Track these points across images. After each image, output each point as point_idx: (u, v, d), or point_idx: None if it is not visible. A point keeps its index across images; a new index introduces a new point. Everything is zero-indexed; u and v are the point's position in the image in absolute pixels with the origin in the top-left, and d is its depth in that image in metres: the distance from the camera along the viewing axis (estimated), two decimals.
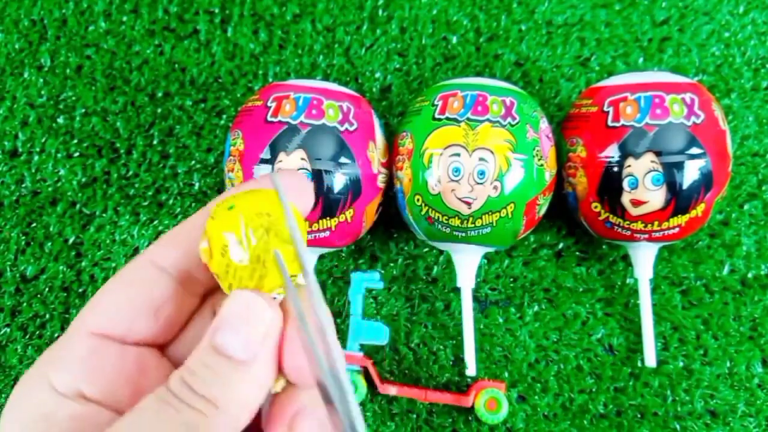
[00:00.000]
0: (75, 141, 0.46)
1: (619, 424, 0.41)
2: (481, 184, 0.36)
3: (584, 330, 0.43)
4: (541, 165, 0.37)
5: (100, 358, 0.19)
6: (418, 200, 0.38)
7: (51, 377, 0.18)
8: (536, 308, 0.43)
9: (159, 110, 0.47)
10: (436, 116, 0.38)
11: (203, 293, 0.21)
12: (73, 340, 0.19)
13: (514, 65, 0.47)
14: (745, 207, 0.45)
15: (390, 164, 0.41)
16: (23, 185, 0.46)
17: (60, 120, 0.47)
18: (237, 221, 0.18)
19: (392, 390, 0.40)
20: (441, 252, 0.44)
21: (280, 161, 0.37)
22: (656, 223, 0.37)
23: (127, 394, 0.19)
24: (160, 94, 0.47)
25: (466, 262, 0.40)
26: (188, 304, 0.21)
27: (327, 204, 0.37)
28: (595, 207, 0.38)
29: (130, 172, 0.46)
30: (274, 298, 0.19)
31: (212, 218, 0.19)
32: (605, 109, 0.38)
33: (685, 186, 0.36)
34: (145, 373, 0.20)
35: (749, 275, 0.43)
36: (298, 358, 0.18)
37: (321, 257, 0.44)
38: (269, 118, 0.37)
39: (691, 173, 0.36)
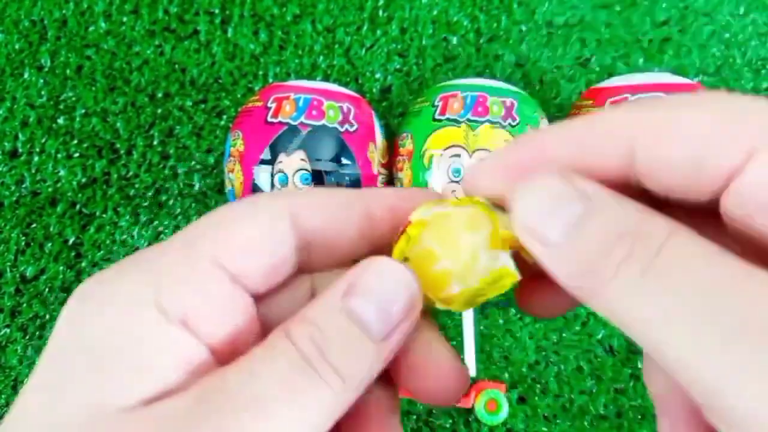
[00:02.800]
0: (75, 141, 0.46)
1: (619, 425, 0.41)
2: None
3: (584, 331, 0.43)
4: None
5: (214, 291, 0.16)
6: None
7: (160, 297, 0.16)
8: None
9: (159, 111, 0.47)
10: (437, 117, 0.38)
11: (309, 269, 0.19)
12: (193, 264, 0.16)
13: (515, 66, 0.47)
14: None
15: (390, 165, 0.41)
16: (23, 186, 0.46)
17: (60, 120, 0.47)
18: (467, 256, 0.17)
19: None
20: None
21: (280, 162, 0.37)
22: None
23: (227, 337, 0.16)
24: (160, 95, 0.47)
25: None
26: (293, 269, 0.18)
27: None
28: None
29: (130, 173, 0.46)
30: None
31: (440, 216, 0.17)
32: None
33: None
34: (248, 320, 0.17)
35: None
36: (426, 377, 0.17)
37: None
38: (269, 119, 0.37)
39: None
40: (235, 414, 0.14)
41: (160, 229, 0.45)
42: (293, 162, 0.36)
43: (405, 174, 0.38)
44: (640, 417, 0.41)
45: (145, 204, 0.45)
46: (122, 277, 0.16)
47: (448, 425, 0.41)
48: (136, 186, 0.46)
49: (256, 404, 0.14)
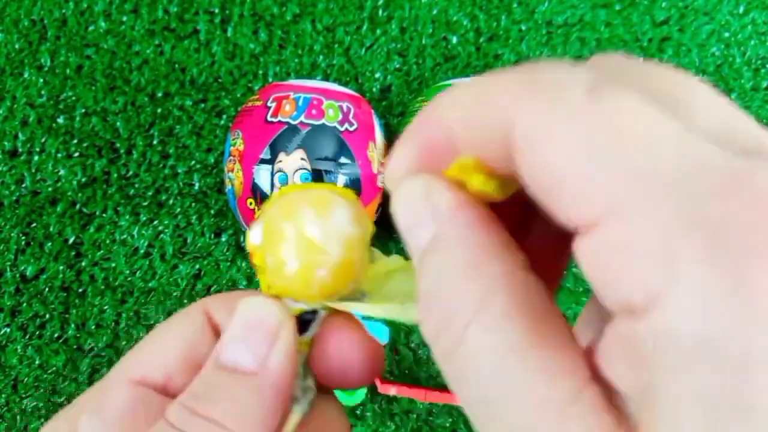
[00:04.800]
0: (75, 141, 0.46)
1: None
2: None
3: None
4: None
5: (139, 408, 0.17)
6: None
7: (80, 426, 0.16)
8: None
9: (159, 110, 0.47)
10: None
11: None
12: (112, 386, 0.17)
13: (515, 65, 0.47)
14: None
15: None
16: (23, 185, 0.46)
17: (60, 120, 0.47)
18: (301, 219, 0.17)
19: (392, 390, 0.40)
20: None
21: (280, 161, 0.37)
22: None
23: None
24: (160, 94, 0.47)
25: None
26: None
27: None
28: None
29: (130, 172, 0.46)
30: (314, 310, 0.18)
31: (274, 207, 0.17)
32: None
33: None
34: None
35: None
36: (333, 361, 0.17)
37: None
38: (269, 118, 0.37)
39: None
40: None
41: (160, 228, 0.45)
42: (293, 161, 0.36)
43: None
44: None
45: (145, 203, 0.45)
46: (56, 421, 0.17)
47: (447, 424, 0.41)
48: (136, 186, 0.46)
49: None
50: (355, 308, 0.17)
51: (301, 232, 0.17)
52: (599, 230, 0.11)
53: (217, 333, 0.18)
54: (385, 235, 0.45)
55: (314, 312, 0.18)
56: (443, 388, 0.42)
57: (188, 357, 0.17)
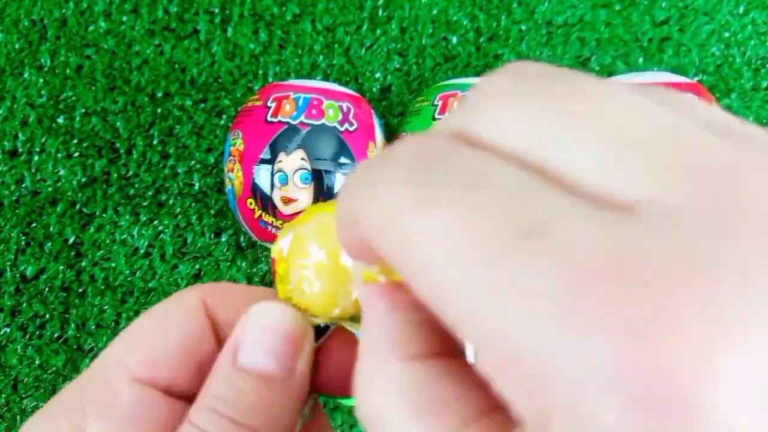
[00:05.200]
0: (75, 141, 0.46)
1: None
2: None
3: None
4: None
5: (148, 410, 0.16)
6: None
7: (90, 428, 0.16)
8: None
9: (159, 110, 0.47)
10: (437, 116, 0.38)
11: None
12: (114, 385, 0.16)
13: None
14: None
15: None
16: (23, 185, 0.46)
17: (60, 120, 0.47)
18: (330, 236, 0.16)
19: None
20: None
21: (280, 161, 0.37)
22: None
23: None
24: (160, 94, 0.47)
25: None
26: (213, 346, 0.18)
27: None
28: None
29: (130, 172, 0.46)
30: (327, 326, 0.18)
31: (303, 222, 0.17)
32: None
33: None
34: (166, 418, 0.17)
35: None
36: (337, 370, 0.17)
37: None
38: (269, 118, 0.37)
39: None
40: None
41: (160, 228, 0.45)
42: (293, 161, 0.36)
43: None
44: None
45: (145, 203, 0.45)
46: (54, 421, 0.16)
47: None
48: (136, 186, 0.46)
49: None
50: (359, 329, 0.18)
51: (334, 257, 0.17)
52: None
53: (214, 327, 0.18)
54: None
55: (326, 327, 0.18)
56: None
57: (191, 354, 0.17)
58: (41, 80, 0.47)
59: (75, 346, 0.44)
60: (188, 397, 0.17)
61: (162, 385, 0.16)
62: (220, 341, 0.18)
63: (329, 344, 0.18)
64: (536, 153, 0.10)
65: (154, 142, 0.46)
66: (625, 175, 0.09)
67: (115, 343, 0.17)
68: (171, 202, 0.45)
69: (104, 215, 0.45)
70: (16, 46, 0.48)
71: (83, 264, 0.45)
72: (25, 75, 0.47)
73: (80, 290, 0.44)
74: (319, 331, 0.18)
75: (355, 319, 0.18)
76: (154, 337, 0.17)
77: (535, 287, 0.08)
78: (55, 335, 0.44)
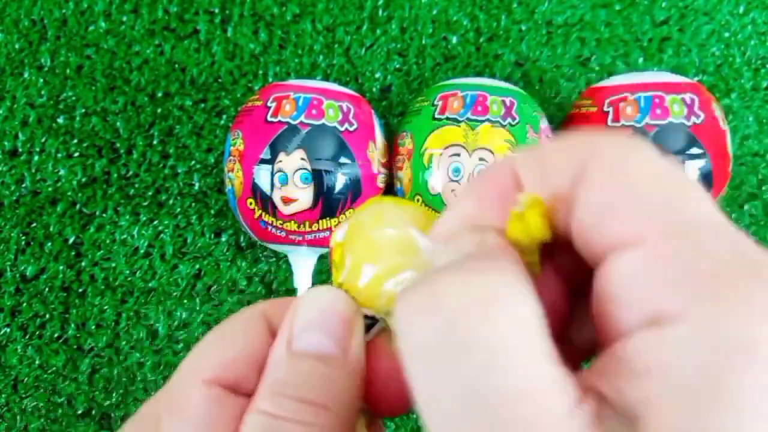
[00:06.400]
0: (75, 141, 0.46)
1: None
2: None
3: None
4: None
5: (219, 410, 0.16)
6: (418, 200, 0.38)
7: (164, 427, 0.16)
8: None
9: (159, 110, 0.47)
10: (436, 116, 0.38)
11: None
12: (185, 389, 0.17)
13: (514, 65, 0.47)
14: (745, 207, 0.44)
15: (390, 164, 0.41)
16: (23, 185, 0.46)
17: (60, 120, 0.47)
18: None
19: None
20: None
21: (280, 161, 0.37)
22: None
23: None
24: (160, 94, 0.47)
25: None
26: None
27: (327, 204, 0.37)
28: None
29: (130, 172, 0.46)
30: (373, 318, 0.18)
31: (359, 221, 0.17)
32: (605, 109, 0.38)
33: None
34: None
35: None
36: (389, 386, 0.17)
37: (321, 257, 0.44)
38: (269, 118, 0.37)
39: (691, 173, 0.36)
40: None
41: (160, 228, 0.45)
42: (293, 161, 0.36)
43: (405, 173, 0.38)
44: None
45: (145, 203, 0.45)
46: (134, 424, 0.17)
47: None
48: (136, 186, 0.46)
49: None
50: None
51: (389, 245, 0.17)
52: (631, 252, 0.12)
53: (273, 333, 0.18)
54: None
55: (374, 321, 0.18)
56: None
57: (254, 357, 0.17)
58: (41, 80, 0.47)
59: (75, 346, 0.44)
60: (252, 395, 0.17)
61: (229, 384, 0.17)
62: None
63: (376, 355, 0.18)
64: None
65: (154, 142, 0.46)
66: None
67: (187, 357, 0.18)
68: (171, 202, 0.45)
69: (104, 215, 0.45)
70: (16, 46, 0.48)
71: (83, 264, 0.45)
72: (25, 75, 0.47)
73: (80, 290, 0.44)
74: (367, 326, 0.18)
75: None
76: (221, 345, 0.18)
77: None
78: (55, 335, 0.44)
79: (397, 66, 0.47)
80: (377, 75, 0.47)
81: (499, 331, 0.11)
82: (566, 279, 0.16)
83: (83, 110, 0.47)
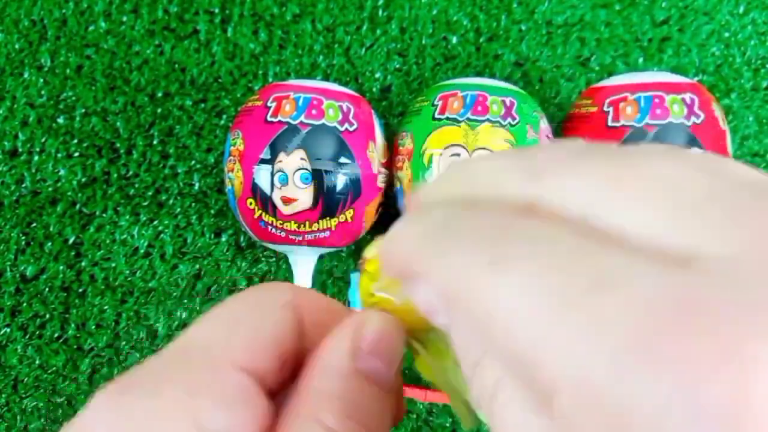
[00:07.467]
0: (75, 141, 0.46)
1: None
2: None
3: None
4: None
5: (250, 397, 0.16)
6: None
7: (200, 415, 0.15)
8: None
9: (159, 110, 0.47)
10: (436, 116, 0.38)
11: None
12: (221, 369, 0.16)
13: (514, 65, 0.47)
14: None
15: (390, 164, 0.41)
16: (23, 185, 0.46)
17: (60, 120, 0.47)
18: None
19: None
20: None
21: (280, 161, 0.37)
22: None
23: None
24: (160, 94, 0.47)
25: None
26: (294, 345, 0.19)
27: (327, 204, 0.37)
28: None
29: (130, 172, 0.46)
30: None
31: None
32: (605, 109, 0.38)
33: None
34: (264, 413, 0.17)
35: None
36: None
37: (321, 257, 0.44)
38: (269, 118, 0.37)
39: None
40: None
41: (160, 228, 0.45)
42: (293, 161, 0.36)
43: (405, 173, 0.38)
44: None
45: (145, 203, 0.45)
46: (159, 398, 0.16)
47: (448, 424, 0.41)
48: (136, 186, 0.46)
49: None
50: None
51: None
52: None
53: (300, 326, 0.18)
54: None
55: None
56: None
57: (281, 352, 0.17)
58: (41, 80, 0.47)
59: (75, 346, 0.44)
60: (271, 392, 0.17)
61: (260, 375, 0.17)
62: (303, 340, 0.18)
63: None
64: (600, 216, 0.11)
65: (154, 142, 0.46)
66: (679, 233, 0.11)
67: (214, 325, 0.17)
68: (171, 202, 0.45)
69: (104, 215, 0.45)
70: (16, 46, 0.48)
71: (83, 264, 0.45)
72: (25, 75, 0.47)
73: (80, 290, 0.44)
74: None
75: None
76: (253, 328, 0.17)
77: (609, 333, 0.09)
78: (55, 335, 0.44)
79: (397, 66, 0.47)
80: (377, 75, 0.47)
81: None
82: None
83: (83, 110, 0.47)
